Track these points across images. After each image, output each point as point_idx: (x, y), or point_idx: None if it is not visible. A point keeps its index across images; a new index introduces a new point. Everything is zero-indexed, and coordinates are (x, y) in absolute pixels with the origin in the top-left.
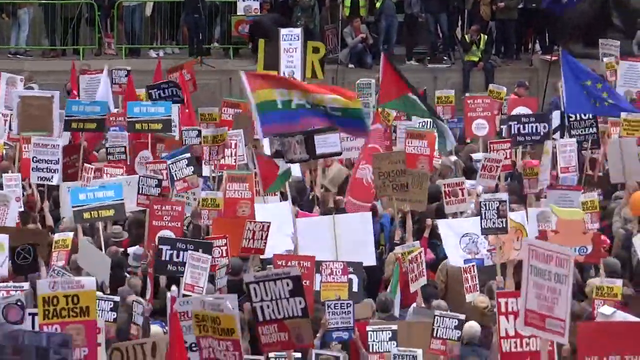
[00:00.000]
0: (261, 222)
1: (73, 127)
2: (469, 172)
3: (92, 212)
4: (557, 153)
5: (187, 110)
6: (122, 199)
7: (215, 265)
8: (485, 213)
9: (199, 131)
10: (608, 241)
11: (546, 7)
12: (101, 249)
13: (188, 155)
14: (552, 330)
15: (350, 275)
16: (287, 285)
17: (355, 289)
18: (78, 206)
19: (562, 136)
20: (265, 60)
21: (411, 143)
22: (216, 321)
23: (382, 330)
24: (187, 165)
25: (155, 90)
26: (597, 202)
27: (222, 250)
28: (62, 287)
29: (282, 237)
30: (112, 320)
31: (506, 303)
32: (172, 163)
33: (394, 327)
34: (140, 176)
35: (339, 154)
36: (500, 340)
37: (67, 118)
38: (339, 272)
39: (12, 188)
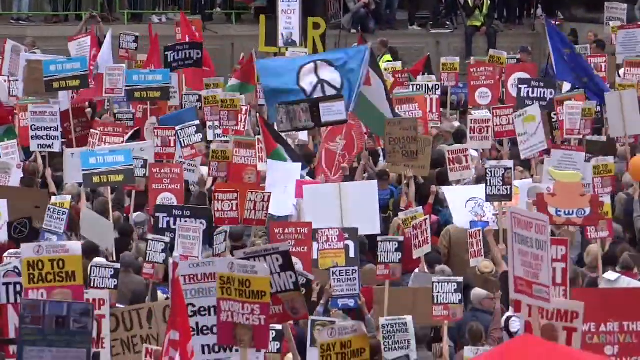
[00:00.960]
0: (262, 193)
1: (136, 96)
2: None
3: (102, 177)
4: (563, 115)
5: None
6: (132, 164)
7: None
8: (490, 180)
9: (200, 96)
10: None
11: None
12: (108, 214)
13: (197, 122)
14: (538, 296)
15: (347, 242)
16: (277, 260)
17: (352, 254)
18: (88, 170)
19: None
20: (267, 37)
21: (401, 109)
22: (246, 284)
23: (448, 282)
24: (196, 132)
25: (171, 52)
26: (612, 166)
27: (232, 204)
28: (47, 252)
29: (288, 199)
30: (112, 287)
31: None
32: (181, 129)
33: (460, 279)
34: (178, 130)
35: (345, 121)
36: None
37: (128, 88)
38: (335, 239)
39: (10, 155)
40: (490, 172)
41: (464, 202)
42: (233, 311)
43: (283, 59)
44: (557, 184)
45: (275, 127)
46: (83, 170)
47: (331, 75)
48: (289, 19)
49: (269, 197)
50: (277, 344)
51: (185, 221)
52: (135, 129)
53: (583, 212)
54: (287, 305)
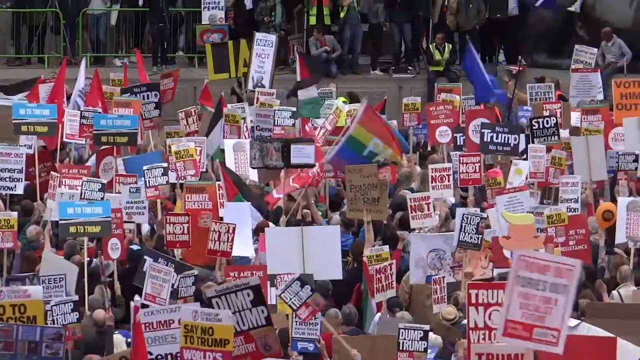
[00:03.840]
0: (227, 224)
1: (103, 140)
2: None
3: (79, 227)
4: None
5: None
6: (110, 217)
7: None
8: (464, 226)
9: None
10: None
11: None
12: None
13: (165, 164)
14: (540, 339)
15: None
16: (248, 295)
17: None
18: (65, 219)
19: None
20: (215, 64)
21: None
22: (208, 332)
23: (414, 329)
24: (162, 174)
25: (128, 93)
26: (565, 215)
27: (183, 227)
28: (8, 297)
29: (241, 240)
30: (75, 321)
31: (477, 294)
32: (148, 169)
33: (426, 327)
34: (145, 169)
35: (312, 165)
36: (468, 331)
37: (95, 132)
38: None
39: None
40: (467, 218)
41: (426, 253)
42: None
43: None
44: (511, 226)
45: (248, 163)
46: (60, 220)
47: None
48: (261, 62)
49: (233, 228)
50: None
51: (159, 263)
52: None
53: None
54: (259, 342)
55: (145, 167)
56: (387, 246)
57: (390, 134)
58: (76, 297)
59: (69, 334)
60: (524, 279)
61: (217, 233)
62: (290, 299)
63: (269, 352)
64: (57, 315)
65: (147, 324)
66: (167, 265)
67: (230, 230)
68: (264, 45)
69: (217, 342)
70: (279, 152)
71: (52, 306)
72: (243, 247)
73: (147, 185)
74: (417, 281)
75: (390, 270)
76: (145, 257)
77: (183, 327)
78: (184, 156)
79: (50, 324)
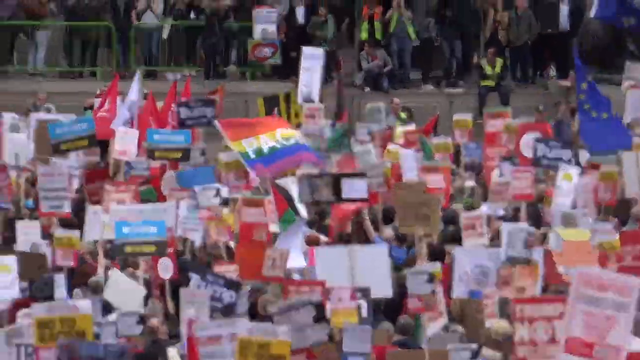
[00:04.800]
0: (280, 250)
1: (157, 156)
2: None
3: (135, 247)
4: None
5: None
6: (165, 237)
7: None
8: (511, 242)
9: (203, 150)
10: None
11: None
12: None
13: (218, 186)
14: (601, 357)
15: (359, 300)
16: (310, 312)
17: (364, 314)
18: (121, 239)
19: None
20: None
21: (427, 177)
22: (265, 347)
23: (464, 349)
24: (215, 195)
25: (184, 108)
26: (616, 243)
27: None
28: (58, 311)
29: (293, 252)
30: (139, 334)
31: (521, 309)
32: (202, 190)
33: (474, 346)
34: (197, 191)
35: (366, 200)
36: (515, 345)
37: (149, 147)
38: (346, 298)
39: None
40: (513, 235)
41: (470, 267)
42: None
43: None
44: (566, 243)
45: (296, 199)
46: (116, 240)
47: None
48: (310, 77)
49: (287, 253)
50: None
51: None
52: None
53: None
54: (321, 358)
55: (198, 189)
56: (439, 263)
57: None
58: (141, 311)
59: (132, 346)
60: (586, 296)
61: (272, 259)
62: None
63: None
64: (122, 327)
65: (199, 339)
66: (214, 280)
67: (284, 256)
68: (312, 60)
69: (274, 357)
70: (329, 187)
71: (116, 318)
72: (295, 257)
73: (200, 206)
74: (459, 296)
75: (440, 297)
76: (191, 273)
77: (239, 342)
78: (234, 167)
79: (109, 337)
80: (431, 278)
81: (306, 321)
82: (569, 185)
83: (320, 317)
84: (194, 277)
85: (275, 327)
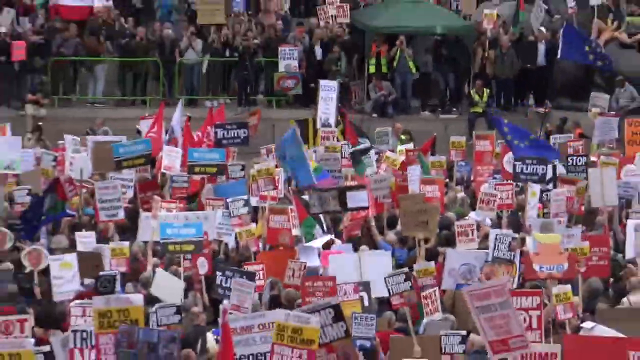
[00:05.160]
0: (300, 262)
1: (196, 171)
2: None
3: (176, 246)
4: (550, 200)
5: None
6: (202, 237)
7: (262, 285)
8: (497, 245)
9: (243, 165)
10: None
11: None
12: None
13: (246, 196)
14: (516, 347)
15: (361, 293)
16: (330, 313)
17: (366, 304)
18: (165, 239)
19: (554, 186)
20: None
21: (424, 188)
22: (298, 332)
23: (454, 335)
24: (244, 205)
25: (220, 129)
26: (570, 294)
27: (260, 274)
28: (115, 303)
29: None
30: (177, 322)
31: None
32: (232, 201)
33: (463, 332)
34: (230, 202)
35: (367, 208)
36: None
37: (189, 163)
38: (350, 291)
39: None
40: (499, 238)
41: (458, 265)
42: (284, 355)
43: None
44: (540, 245)
45: (310, 210)
46: (162, 239)
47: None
48: (327, 105)
49: (305, 266)
50: None
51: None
52: None
53: (562, 268)
54: (339, 352)
55: (229, 200)
56: (433, 262)
57: None
58: (179, 303)
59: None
60: (480, 308)
61: (292, 270)
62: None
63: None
64: (161, 317)
65: (232, 329)
66: (242, 278)
67: (303, 268)
68: (328, 91)
69: (305, 341)
70: (335, 199)
71: (156, 309)
72: (312, 259)
73: (232, 215)
74: (447, 288)
75: (435, 296)
76: (218, 273)
77: (276, 326)
78: (264, 174)
79: (153, 325)
80: (407, 277)
81: (325, 321)
82: (534, 200)
83: (338, 317)
84: (218, 274)
85: (307, 315)
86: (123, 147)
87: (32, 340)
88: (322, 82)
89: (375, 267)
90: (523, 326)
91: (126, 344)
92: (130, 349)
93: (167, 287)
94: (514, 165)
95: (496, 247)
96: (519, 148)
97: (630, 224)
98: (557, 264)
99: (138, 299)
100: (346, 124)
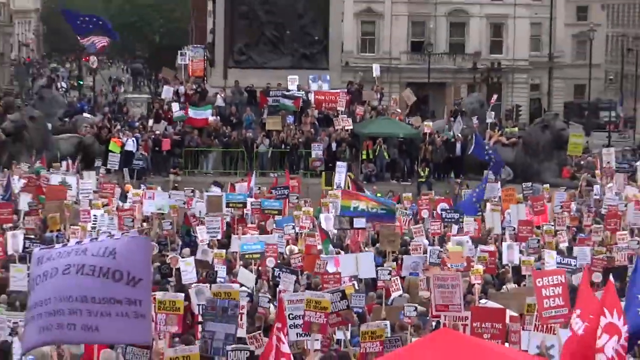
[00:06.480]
0: (322, 261)
1: (265, 212)
2: None
3: (249, 254)
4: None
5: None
6: (264, 249)
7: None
8: (432, 254)
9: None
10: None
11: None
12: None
13: (293, 224)
14: (454, 310)
15: (353, 281)
16: (338, 295)
17: (357, 287)
18: (243, 252)
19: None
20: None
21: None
22: (319, 302)
23: (409, 307)
24: (292, 229)
25: (276, 190)
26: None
27: (299, 271)
28: (224, 288)
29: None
30: (249, 300)
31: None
32: (285, 226)
33: (415, 305)
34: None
35: (364, 228)
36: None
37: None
38: (347, 281)
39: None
40: (432, 251)
41: (410, 262)
42: (311, 315)
43: None
44: (450, 252)
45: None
46: (240, 251)
47: None
48: (340, 175)
49: (326, 263)
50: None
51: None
52: None
53: (463, 265)
54: (343, 317)
55: (285, 225)
56: (395, 263)
57: (367, 198)
58: (252, 286)
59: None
60: (438, 284)
61: (318, 265)
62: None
63: (349, 322)
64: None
65: (286, 301)
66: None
67: (324, 265)
68: (340, 167)
69: (322, 308)
70: (347, 221)
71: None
72: (330, 262)
73: (285, 235)
74: (404, 275)
75: (397, 281)
76: (276, 268)
77: (306, 300)
78: (306, 213)
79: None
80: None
81: (335, 300)
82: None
83: (343, 297)
84: (276, 269)
85: (323, 293)
86: (228, 197)
87: None
88: (338, 163)
89: (365, 262)
90: (462, 302)
91: (210, 308)
92: (212, 311)
93: (246, 277)
94: (441, 213)
95: (430, 255)
96: (471, 196)
97: (505, 244)
98: (459, 263)
99: (236, 286)
100: (351, 183)
